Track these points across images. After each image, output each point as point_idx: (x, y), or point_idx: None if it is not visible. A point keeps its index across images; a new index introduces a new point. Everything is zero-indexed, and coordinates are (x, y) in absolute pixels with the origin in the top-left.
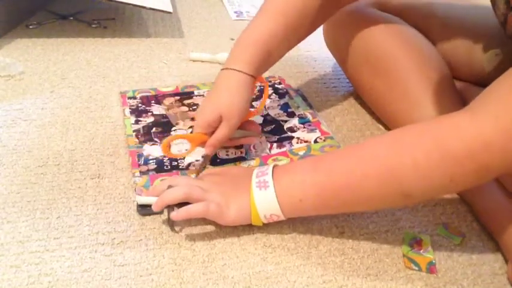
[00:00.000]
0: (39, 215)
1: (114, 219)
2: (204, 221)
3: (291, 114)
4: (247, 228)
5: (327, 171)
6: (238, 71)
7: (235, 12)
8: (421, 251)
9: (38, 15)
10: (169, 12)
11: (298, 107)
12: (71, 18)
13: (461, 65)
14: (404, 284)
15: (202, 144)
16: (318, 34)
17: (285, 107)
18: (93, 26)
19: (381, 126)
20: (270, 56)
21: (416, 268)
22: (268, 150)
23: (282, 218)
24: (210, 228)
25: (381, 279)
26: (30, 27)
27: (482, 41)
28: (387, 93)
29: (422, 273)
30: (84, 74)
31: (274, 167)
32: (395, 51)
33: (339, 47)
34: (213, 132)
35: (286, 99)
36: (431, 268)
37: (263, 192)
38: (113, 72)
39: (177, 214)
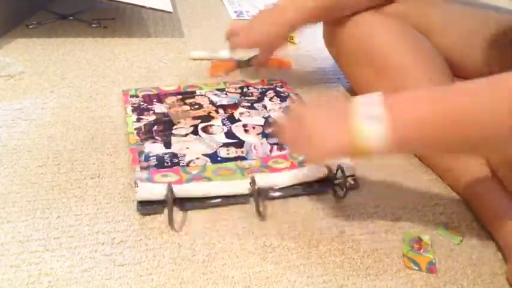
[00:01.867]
0: (39, 214)
1: (114, 219)
2: (204, 220)
3: None
4: (247, 228)
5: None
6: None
7: (236, 11)
8: (421, 251)
9: (38, 15)
10: (170, 12)
11: None
12: (71, 18)
13: (462, 64)
14: (404, 283)
15: None
16: (318, 34)
17: (286, 110)
18: (93, 25)
19: None
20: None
21: (416, 268)
22: (268, 152)
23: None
24: (210, 228)
25: (381, 279)
26: (30, 27)
27: (483, 40)
28: (387, 92)
29: (422, 273)
30: (84, 74)
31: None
32: (394, 51)
33: (338, 46)
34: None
35: (287, 102)
36: (431, 268)
37: (372, 125)
38: (113, 72)
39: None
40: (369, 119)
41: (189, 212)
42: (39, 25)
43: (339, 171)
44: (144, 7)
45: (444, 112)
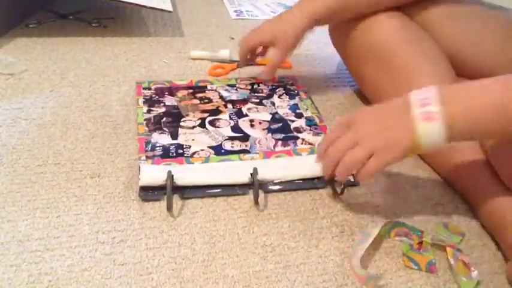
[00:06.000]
0: (39, 214)
1: (114, 218)
2: (204, 219)
3: (299, 115)
4: (247, 227)
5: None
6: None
7: (235, 11)
8: (421, 250)
9: (38, 14)
10: (170, 11)
11: (306, 109)
12: (71, 17)
13: (466, 62)
14: (404, 283)
15: None
16: (318, 33)
17: (293, 108)
18: (93, 25)
19: None
20: (334, 14)
21: (416, 267)
22: (272, 147)
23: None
24: (210, 227)
25: (381, 279)
26: (30, 26)
27: (488, 38)
28: (391, 89)
29: (422, 272)
30: (84, 73)
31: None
32: (399, 47)
33: (343, 42)
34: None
35: (296, 100)
36: (431, 267)
37: (428, 125)
38: (112, 71)
39: (362, 175)
40: (426, 119)
41: (189, 212)
42: (39, 24)
43: None
44: (144, 6)
45: (495, 101)
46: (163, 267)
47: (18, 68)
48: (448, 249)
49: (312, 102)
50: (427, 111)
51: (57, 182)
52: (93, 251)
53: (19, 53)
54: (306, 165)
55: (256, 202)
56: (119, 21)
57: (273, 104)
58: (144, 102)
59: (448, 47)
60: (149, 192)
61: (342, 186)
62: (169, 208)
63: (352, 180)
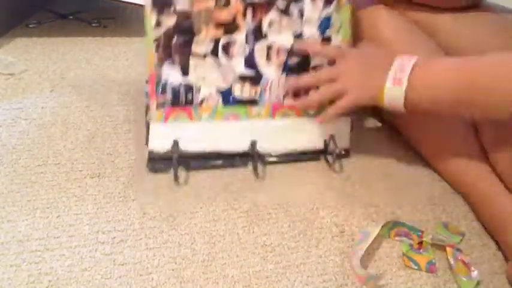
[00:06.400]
0: (39, 214)
1: (114, 218)
2: (204, 219)
3: (327, 40)
4: (247, 227)
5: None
6: None
7: None
8: (421, 250)
9: (38, 14)
10: None
11: (340, 27)
12: (71, 17)
13: None
14: (404, 283)
15: None
16: None
17: (325, 23)
18: (93, 25)
19: (381, 125)
20: None
21: (416, 267)
22: (281, 98)
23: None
24: (210, 227)
25: (381, 279)
26: (30, 26)
27: (488, 38)
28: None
29: (422, 273)
30: (84, 73)
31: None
32: (397, 45)
33: None
34: None
35: (331, 8)
36: (431, 267)
37: (393, 88)
38: (112, 71)
39: (326, 116)
40: (393, 83)
41: (189, 212)
42: (39, 24)
43: (331, 141)
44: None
45: (460, 81)
46: (163, 267)
47: (18, 68)
48: (448, 249)
49: (352, 12)
50: (399, 77)
51: (57, 182)
52: (93, 251)
53: (19, 53)
54: (307, 134)
55: (256, 172)
56: (119, 21)
57: (301, 14)
58: (153, 6)
59: (448, 47)
60: (156, 164)
61: (334, 156)
62: (175, 178)
63: (343, 153)
